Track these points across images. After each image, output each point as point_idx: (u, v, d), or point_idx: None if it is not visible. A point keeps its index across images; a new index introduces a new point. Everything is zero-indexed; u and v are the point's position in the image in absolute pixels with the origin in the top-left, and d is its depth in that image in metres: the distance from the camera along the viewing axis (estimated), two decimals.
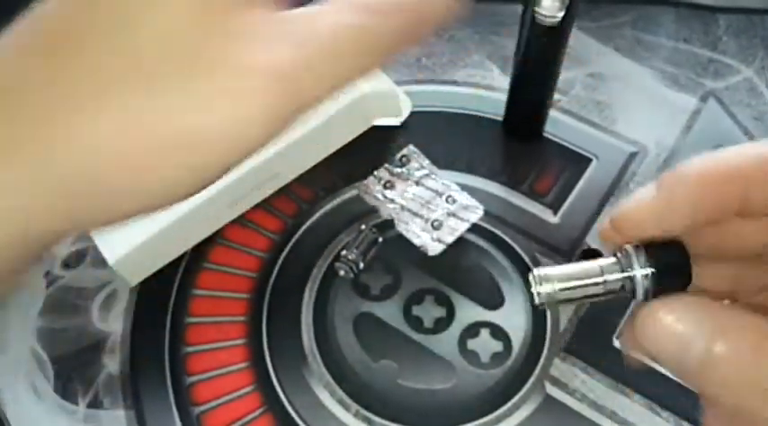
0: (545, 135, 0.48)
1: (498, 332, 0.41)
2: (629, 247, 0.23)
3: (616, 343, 0.41)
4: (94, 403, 0.40)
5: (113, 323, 0.43)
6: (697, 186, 0.22)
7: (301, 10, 0.22)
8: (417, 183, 0.45)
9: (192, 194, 0.21)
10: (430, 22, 0.23)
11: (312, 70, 0.20)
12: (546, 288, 0.23)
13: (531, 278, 0.24)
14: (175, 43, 0.20)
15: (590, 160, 0.47)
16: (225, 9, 0.20)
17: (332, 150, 0.47)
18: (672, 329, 0.21)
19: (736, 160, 0.22)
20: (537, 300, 0.24)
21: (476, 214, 0.44)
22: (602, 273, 0.23)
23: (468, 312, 0.42)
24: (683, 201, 0.22)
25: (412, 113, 0.49)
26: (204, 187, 0.21)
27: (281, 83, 0.20)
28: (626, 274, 0.23)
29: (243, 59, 0.20)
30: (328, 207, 0.45)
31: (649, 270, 0.23)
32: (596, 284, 0.23)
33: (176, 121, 0.19)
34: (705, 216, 0.23)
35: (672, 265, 0.23)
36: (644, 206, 0.23)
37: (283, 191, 0.46)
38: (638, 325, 0.22)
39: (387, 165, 0.46)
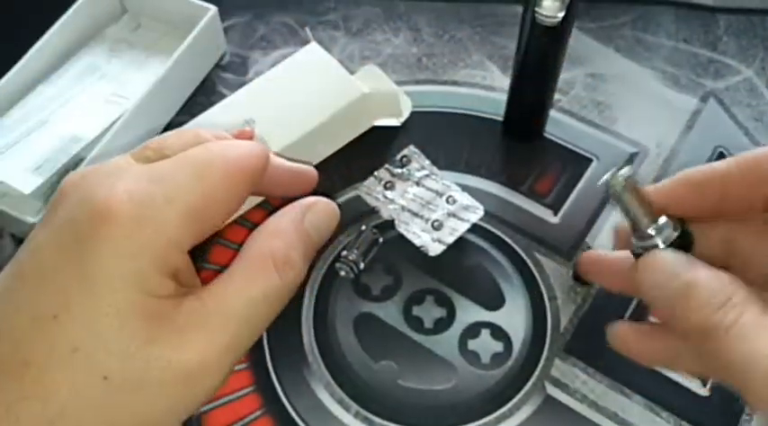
0: (545, 135, 0.48)
1: (499, 333, 0.41)
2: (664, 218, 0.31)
3: None
4: None
5: None
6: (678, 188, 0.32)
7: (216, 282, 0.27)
8: (418, 184, 0.45)
9: None
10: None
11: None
12: (614, 181, 0.30)
13: (617, 169, 0.30)
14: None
15: (590, 160, 0.47)
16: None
17: (332, 151, 0.47)
18: (662, 264, 0.29)
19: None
20: (603, 182, 0.31)
21: (476, 214, 0.44)
22: (646, 216, 0.31)
23: (469, 312, 0.42)
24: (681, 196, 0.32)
25: (412, 114, 0.49)
26: None
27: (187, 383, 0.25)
28: (656, 225, 0.30)
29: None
30: None
31: (675, 234, 0.30)
32: (640, 215, 0.31)
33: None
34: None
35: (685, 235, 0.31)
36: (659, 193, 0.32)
37: None
38: (642, 261, 0.30)
39: (387, 166, 0.46)
